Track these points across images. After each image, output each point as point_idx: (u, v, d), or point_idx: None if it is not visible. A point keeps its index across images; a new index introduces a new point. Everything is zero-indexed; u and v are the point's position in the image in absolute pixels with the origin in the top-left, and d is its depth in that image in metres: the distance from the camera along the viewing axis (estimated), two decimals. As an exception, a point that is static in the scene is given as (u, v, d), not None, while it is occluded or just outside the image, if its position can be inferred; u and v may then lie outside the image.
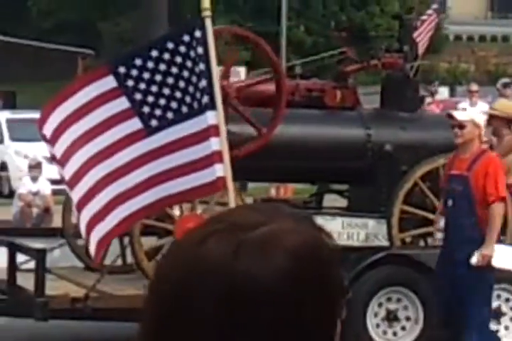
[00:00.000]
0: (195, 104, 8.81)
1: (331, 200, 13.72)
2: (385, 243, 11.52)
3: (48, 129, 9.12)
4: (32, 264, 10.44)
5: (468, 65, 52.14)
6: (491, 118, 13.21)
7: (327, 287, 1.25)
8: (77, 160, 9.08)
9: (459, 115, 10.41)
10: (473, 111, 10.95)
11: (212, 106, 8.80)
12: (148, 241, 11.39)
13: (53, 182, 18.38)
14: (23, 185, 19.34)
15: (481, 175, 10.24)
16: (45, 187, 19.01)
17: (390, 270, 11.65)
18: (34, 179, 18.97)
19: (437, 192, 11.56)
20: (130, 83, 8.82)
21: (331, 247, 1.28)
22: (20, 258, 10.69)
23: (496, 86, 22.93)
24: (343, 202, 13.37)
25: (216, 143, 8.82)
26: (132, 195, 8.86)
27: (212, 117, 8.74)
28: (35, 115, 28.92)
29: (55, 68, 45.36)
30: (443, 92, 26.91)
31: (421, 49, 12.70)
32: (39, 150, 20.46)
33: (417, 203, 11.83)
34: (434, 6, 13.75)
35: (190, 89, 8.94)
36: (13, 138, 24.71)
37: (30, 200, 18.59)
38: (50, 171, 17.50)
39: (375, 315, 11.47)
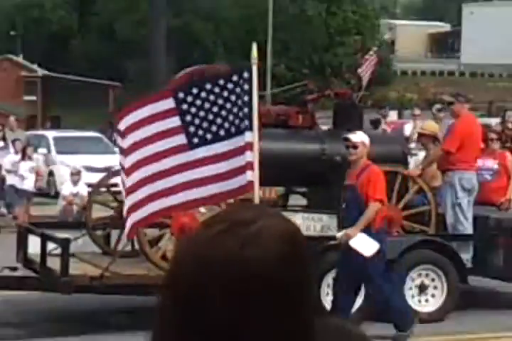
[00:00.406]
0: (233, 129, 8.95)
1: (294, 199, 13.87)
2: (336, 233, 11.05)
3: (123, 140, 9.34)
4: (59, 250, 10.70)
5: (412, 94, 53.43)
6: (421, 136, 13.62)
7: (307, 262, 1.31)
8: (132, 159, 9.26)
9: (353, 138, 10.55)
10: (363, 135, 10.96)
11: (250, 128, 8.97)
12: (151, 232, 11.61)
13: (89, 185, 17.74)
14: (66, 188, 19.68)
15: (365, 184, 10.38)
16: (83, 190, 19.02)
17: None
18: (74, 183, 19.25)
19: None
20: (184, 106, 8.96)
21: (303, 235, 1.36)
22: (51, 246, 10.90)
23: (432, 110, 23.10)
24: (304, 201, 13.47)
25: (250, 156, 8.94)
26: (171, 193, 8.90)
27: (249, 136, 8.92)
28: (75, 133, 28.73)
29: (91, 97, 46.56)
30: (393, 115, 27.65)
31: (364, 82, 12.78)
32: (78, 161, 23.13)
33: None
34: (375, 49, 13.77)
35: (230, 117, 9.07)
36: (59, 152, 25.14)
37: (71, 200, 18.91)
38: (87, 177, 20.06)
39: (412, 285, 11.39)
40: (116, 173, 12.57)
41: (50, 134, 27.66)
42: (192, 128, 8.83)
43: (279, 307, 1.30)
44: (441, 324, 10.89)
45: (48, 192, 23.56)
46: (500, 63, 62.29)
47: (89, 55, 58.69)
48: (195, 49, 56.32)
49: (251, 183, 9.07)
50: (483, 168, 12.63)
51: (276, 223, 1.35)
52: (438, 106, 22.36)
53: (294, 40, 55.87)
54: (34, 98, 47.48)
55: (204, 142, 8.82)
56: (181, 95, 8.85)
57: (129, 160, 9.11)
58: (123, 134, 9.15)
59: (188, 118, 8.85)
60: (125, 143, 9.12)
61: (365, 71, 12.60)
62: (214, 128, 8.90)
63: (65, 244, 10.60)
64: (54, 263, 10.60)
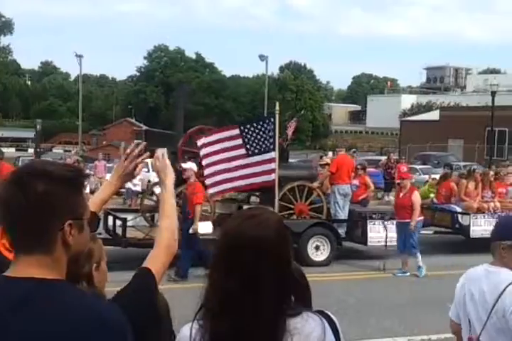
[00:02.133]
0: (264, 149, 10.34)
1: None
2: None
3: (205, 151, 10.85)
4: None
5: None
6: (324, 164, 15.02)
7: (289, 237, 1.90)
8: (210, 160, 10.80)
9: (184, 166, 11.12)
10: (192, 164, 11.61)
11: (274, 149, 10.51)
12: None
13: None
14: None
15: (193, 192, 10.89)
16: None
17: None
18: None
19: (300, 196, 12.60)
20: (244, 134, 10.54)
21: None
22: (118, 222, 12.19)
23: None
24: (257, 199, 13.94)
25: (275, 165, 10.50)
26: (232, 181, 10.61)
27: (273, 154, 10.47)
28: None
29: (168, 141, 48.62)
30: (330, 154, 27.57)
31: (289, 136, 13.59)
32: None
33: (285, 200, 12.48)
34: (295, 119, 15.37)
35: (265, 142, 10.51)
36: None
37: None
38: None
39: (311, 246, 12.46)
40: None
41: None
42: (248, 146, 10.25)
43: (276, 255, 1.84)
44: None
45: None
46: (386, 127, 74.24)
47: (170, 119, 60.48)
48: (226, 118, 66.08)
49: (274, 180, 10.78)
50: (352, 184, 13.79)
51: (273, 215, 1.98)
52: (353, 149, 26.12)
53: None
54: (140, 141, 49.12)
55: (253, 154, 10.21)
56: (242, 128, 10.44)
57: (208, 161, 10.54)
58: (202, 146, 10.68)
59: (246, 140, 10.34)
60: (204, 151, 10.63)
61: (289, 130, 13.62)
62: (258, 147, 10.24)
63: (124, 220, 12.08)
64: (119, 231, 12.01)
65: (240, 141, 10.34)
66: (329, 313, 1.92)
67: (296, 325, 1.77)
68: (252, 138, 10.29)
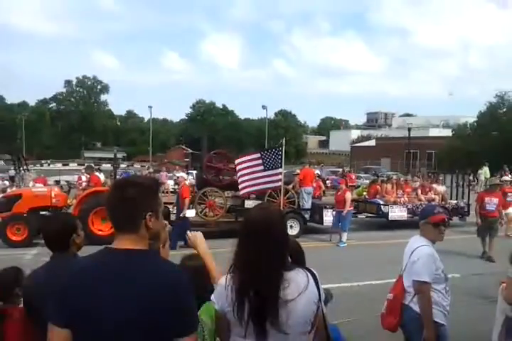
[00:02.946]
0: (275, 166, 10.00)
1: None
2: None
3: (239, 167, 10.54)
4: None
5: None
6: (296, 174, 14.50)
7: (284, 220, 1.95)
8: (241, 173, 10.44)
9: (177, 174, 10.11)
10: (183, 174, 11.68)
11: (281, 166, 10.20)
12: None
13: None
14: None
15: (181, 192, 10.52)
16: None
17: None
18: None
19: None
20: (262, 157, 10.33)
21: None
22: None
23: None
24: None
25: (281, 176, 10.20)
26: (253, 185, 10.16)
27: (280, 170, 10.18)
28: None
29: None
30: None
31: None
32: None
33: (271, 197, 12.04)
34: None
35: (275, 161, 10.26)
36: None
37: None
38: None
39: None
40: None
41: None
42: (264, 163, 10.02)
43: (277, 232, 1.84)
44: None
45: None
46: (342, 150, 71.87)
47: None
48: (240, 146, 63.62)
49: (280, 186, 10.60)
50: (315, 186, 13.67)
51: (276, 208, 2.22)
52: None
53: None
54: (187, 159, 50.44)
55: (267, 169, 9.93)
56: (262, 152, 10.27)
57: (240, 173, 10.29)
58: (238, 163, 10.48)
59: (263, 160, 10.13)
60: (238, 166, 10.39)
61: None
62: (271, 164, 10.05)
63: (167, 210, 10.23)
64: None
65: (260, 161, 10.07)
66: (312, 269, 1.96)
67: (291, 275, 1.80)
68: (267, 159, 10.02)
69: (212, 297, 1.89)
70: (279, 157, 9.98)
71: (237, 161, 10.52)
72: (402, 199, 13.74)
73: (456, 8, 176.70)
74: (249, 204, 12.39)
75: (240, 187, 10.30)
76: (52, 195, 11.24)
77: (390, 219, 13.27)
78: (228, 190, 13.29)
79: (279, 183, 9.91)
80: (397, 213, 13.22)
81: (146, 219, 1.63)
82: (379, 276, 7.25)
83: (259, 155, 10.13)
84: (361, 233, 12.89)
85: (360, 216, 13.99)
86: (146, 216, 1.63)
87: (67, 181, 18.75)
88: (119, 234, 1.63)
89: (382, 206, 13.47)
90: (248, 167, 10.15)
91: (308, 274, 1.86)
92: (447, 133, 50.51)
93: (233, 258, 1.87)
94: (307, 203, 12.75)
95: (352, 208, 11.88)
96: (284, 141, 11.01)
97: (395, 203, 13.51)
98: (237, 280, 1.80)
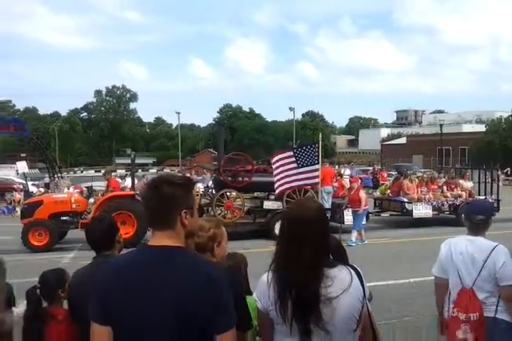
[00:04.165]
0: (311, 162, 9.72)
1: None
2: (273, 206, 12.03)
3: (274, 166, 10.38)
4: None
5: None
6: None
7: (326, 217, 1.89)
8: (277, 171, 10.25)
9: None
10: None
11: (317, 163, 9.91)
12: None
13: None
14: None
15: None
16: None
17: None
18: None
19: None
20: (296, 154, 10.07)
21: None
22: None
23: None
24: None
25: (318, 173, 9.86)
26: (290, 182, 9.96)
27: (317, 166, 9.85)
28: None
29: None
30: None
31: None
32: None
33: (290, 197, 11.63)
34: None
35: (312, 158, 9.96)
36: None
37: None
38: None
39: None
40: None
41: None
42: (298, 161, 9.85)
43: (316, 228, 1.82)
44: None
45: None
46: (372, 148, 70.19)
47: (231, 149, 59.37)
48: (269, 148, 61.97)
49: (317, 182, 10.31)
50: (334, 186, 13.62)
51: (314, 203, 1.98)
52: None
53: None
54: (215, 163, 48.18)
55: (302, 166, 9.74)
56: (294, 150, 10.06)
57: (276, 171, 10.16)
58: (274, 162, 10.36)
59: (297, 158, 9.93)
60: (274, 165, 10.25)
61: None
62: (305, 161, 9.86)
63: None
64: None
65: (293, 158, 9.98)
66: (356, 266, 1.95)
67: (335, 273, 1.76)
68: (301, 156, 9.93)
69: (254, 295, 1.89)
70: (316, 154, 9.87)
71: (272, 160, 10.51)
72: (427, 196, 13.44)
73: (482, 2, 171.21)
74: (267, 205, 12.32)
75: (275, 186, 10.24)
76: (72, 201, 11.40)
77: (414, 216, 12.98)
78: (246, 192, 13.28)
79: (317, 180, 9.78)
80: (422, 210, 13.02)
81: (182, 216, 1.66)
82: (414, 274, 7.19)
83: (291, 153, 10.06)
84: (385, 231, 12.76)
85: (383, 214, 13.76)
86: (182, 213, 1.66)
87: (87, 187, 19.14)
88: (156, 231, 1.66)
89: (406, 204, 13.19)
90: (282, 165, 10.07)
91: (352, 271, 1.84)
92: (480, 128, 48.99)
93: (274, 256, 1.87)
94: (327, 203, 12.55)
95: (367, 207, 11.68)
96: (320, 136, 11.02)
97: (419, 200, 13.20)
98: (278, 278, 1.78)
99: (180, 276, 1.55)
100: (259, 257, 2.67)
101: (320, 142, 10.40)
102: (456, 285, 2.88)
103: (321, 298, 1.71)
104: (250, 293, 2.39)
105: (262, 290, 1.85)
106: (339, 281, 1.75)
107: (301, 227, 1.77)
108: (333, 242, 2.16)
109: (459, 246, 2.89)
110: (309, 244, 1.74)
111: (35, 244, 10.71)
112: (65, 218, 11.34)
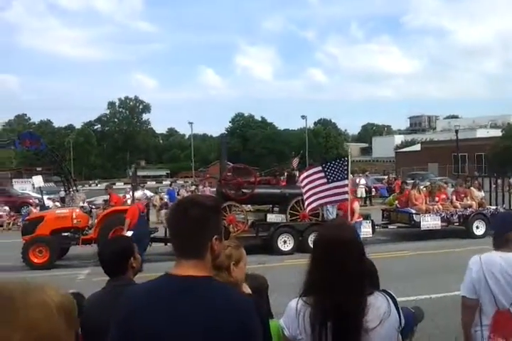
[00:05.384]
0: (341, 177, 9.28)
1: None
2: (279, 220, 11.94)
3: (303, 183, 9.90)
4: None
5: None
6: None
7: (357, 236, 1.84)
8: (306, 187, 9.78)
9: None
10: None
11: (347, 178, 9.37)
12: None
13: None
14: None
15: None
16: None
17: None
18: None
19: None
20: (325, 169, 9.46)
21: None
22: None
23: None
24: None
25: (347, 189, 9.32)
26: (319, 199, 9.58)
27: (346, 181, 9.34)
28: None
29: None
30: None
31: (294, 167, 13.49)
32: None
33: (294, 209, 12.02)
34: (298, 155, 14.59)
35: (342, 173, 9.35)
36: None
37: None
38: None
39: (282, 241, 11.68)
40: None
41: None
42: (328, 176, 9.43)
43: (356, 250, 1.76)
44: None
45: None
46: (386, 156, 68.78)
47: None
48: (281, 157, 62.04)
49: (347, 199, 9.73)
50: None
51: (346, 224, 2.02)
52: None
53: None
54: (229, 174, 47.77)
55: (332, 181, 9.37)
56: (324, 165, 9.60)
57: (305, 188, 9.73)
58: (302, 178, 9.96)
59: (326, 173, 9.53)
60: (303, 182, 9.80)
61: (294, 163, 13.67)
62: (335, 176, 9.48)
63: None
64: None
65: (322, 174, 9.56)
66: (391, 292, 1.84)
67: (371, 301, 1.67)
68: (331, 171, 9.56)
69: (281, 322, 1.81)
70: (345, 167, 9.53)
71: (301, 177, 10.20)
72: (436, 206, 13.08)
73: (492, 4, 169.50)
74: (271, 218, 12.20)
75: (306, 203, 9.94)
76: (74, 216, 11.31)
77: (422, 228, 12.64)
78: (249, 204, 13.27)
79: (346, 196, 9.47)
80: (430, 222, 12.63)
81: (213, 242, 1.56)
82: (435, 289, 7.15)
83: (320, 168, 9.74)
84: (392, 244, 12.52)
85: (391, 226, 13.47)
86: (213, 239, 1.56)
87: (88, 202, 19.11)
88: (183, 259, 1.55)
89: (414, 215, 12.85)
90: (311, 181, 9.74)
91: (388, 298, 1.75)
92: (496, 133, 48.18)
93: (306, 281, 1.77)
94: (331, 214, 12.18)
95: (361, 219, 11.37)
96: (350, 150, 10.82)
97: (427, 211, 12.84)
98: (313, 306, 1.69)
99: (209, 307, 1.47)
100: (265, 273, 2.74)
101: (350, 156, 10.17)
102: (491, 307, 2.64)
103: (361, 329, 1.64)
104: (271, 316, 2.38)
105: (290, 318, 1.76)
106: (375, 310, 1.66)
107: (341, 250, 1.69)
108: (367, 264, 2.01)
109: (492, 264, 2.65)
110: (351, 268, 1.67)
111: (36, 261, 10.60)
112: (66, 234, 11.24)
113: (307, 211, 10.41)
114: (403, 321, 1.76)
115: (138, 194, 10.56)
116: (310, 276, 1.73)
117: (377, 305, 1.67)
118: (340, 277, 1.65)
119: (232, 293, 1.58)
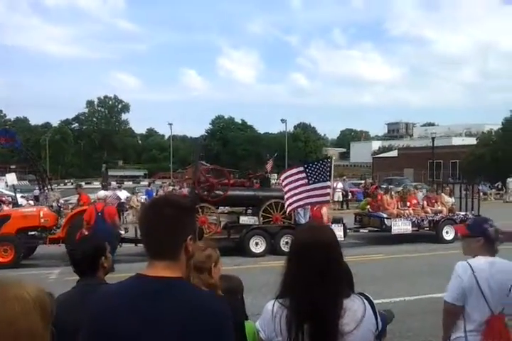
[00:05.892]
0: (323, 178, 9.38)
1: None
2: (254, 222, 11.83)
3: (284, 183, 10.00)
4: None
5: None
6: None
7: (337, 240, 1.79)
8: (287, 188, 9.88)
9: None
10: None
11: (328, 180, 9.58)
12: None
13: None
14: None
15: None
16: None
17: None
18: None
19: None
20: (307, 170, 9.68)
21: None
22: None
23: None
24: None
25: (328, 190, 9.56)
26: (298, 200, 9.67)
27: (328, 183, 9.56)
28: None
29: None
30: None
31: (268, 170, 13.27)
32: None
33: (266, 212, 11.91)
34: (271, 158, 14.22)
35: (324, 174, 9.57)
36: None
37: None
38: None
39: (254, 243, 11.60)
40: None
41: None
42: (309, 177, 9.49)
43: (334, 252, 1.73)
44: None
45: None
46: (363, 161, 69.71)
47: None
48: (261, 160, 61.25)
49: (328, 202, 10.05)
50: None
51: (325, 227, 2.04)
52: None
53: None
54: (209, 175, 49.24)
55: (313, 182, 9.41)
56: (306, 166, 9.72)
57: (286, 188, 9.79)
58: (283, 178, 9.97)
59: (308, 174, 9.60)
60: (284, 182, 9.87)
61: (268, 166, 13.31)
62: (317, 177, 9.54)
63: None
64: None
65: (303, 174, 9.58)
66: (368, 295, 1.81)
67: (348, 304, 1.65)
68: (312, 172, 9.58)
69: (257, 324, 1.78)
70: (328, 169, 9.58)
71: (282, 176, 10.16)
72: (407, 211, 13.26)
73: (471, 14, 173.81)
74: (244, 220, 12.15)
75: (286, 203, 9.91)
76: (41, 215, 11.10)
77: (392, 232, 12.76)
78: (222, 206, 13.10)
79: (328, 198, 9.52)
80: (401, 226, 12.78)
81: (187, 243, 1.51)
82: (409, 292, 7.19)
83: (302, 168, 9.72)
84: (364, 248, 12.51)
85: (362, 230, 13.56)
86: (187, 239, 1.51)
87: (64, 201, 18.80)
88: (155, 260, 1.50)
89: (385, 219, 12.98)
90: (291, 182, 9.72)
91: (365, 301, 1.73)
92: (471, 141, 49.25)
93: (283, 283, 1.74)
94: (303, 218, 12.18)
95: (329, 224, 11.25)
96: (333, 157, 10.80)
97: (398, 216, 12.99)
98: (290, 308, 1.66)
99: (182, 310, 1.43)
100: (240, 275, 2.76)
101: (333, 159, 10.18)
102: (483, 313, 2.57)
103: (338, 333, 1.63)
104: (246, 317, 2.40)
105: (266, 320, 1.73)
106: (352, 313, 1.64)
107: (320, 252, 1.66)
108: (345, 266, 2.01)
109: (482, 269, 2.60)
110: (330, 270, 1.64)
111: (0, 260, 10.35)
112: (32, 233, 11.06)
113: (287, 211, 10.51)
114: (380, 324, 1.74)
115: (100, 194, 10.35)
116: (287, 278, 1.71)
117: (354, 308, 1.65)
118: (318, 279, 1.63)
119: (205, 295, 1.57)
